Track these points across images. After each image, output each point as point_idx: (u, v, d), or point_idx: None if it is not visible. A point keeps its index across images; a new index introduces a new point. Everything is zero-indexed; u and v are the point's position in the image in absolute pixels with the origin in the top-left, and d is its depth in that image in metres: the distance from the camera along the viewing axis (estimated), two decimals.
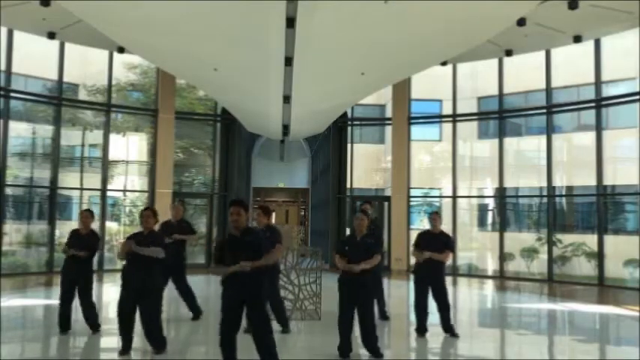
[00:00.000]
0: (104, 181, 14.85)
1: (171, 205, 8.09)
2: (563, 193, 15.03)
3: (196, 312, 7.96)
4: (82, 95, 15.34)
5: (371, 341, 5.84)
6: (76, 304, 6.84)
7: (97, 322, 6.89)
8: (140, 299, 5.71)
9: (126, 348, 5.78)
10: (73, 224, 14.40)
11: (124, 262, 5.88)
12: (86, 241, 6.69)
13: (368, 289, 5.89)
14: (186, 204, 15.72)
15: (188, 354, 6.21)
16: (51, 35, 12.75)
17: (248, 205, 4.93)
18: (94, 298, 6.97)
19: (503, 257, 14.73)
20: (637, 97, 12.80)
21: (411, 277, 7.34)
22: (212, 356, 4.68)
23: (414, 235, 15.78)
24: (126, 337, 5.79)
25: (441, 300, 6.97)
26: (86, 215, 6.85)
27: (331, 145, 17.04)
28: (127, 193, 15.87)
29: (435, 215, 7.16)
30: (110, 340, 6.87)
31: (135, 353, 5.88)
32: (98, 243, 6.91)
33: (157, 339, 5.79)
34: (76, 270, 6.70)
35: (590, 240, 13.57)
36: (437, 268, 6.99)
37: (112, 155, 15.16)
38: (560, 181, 14.84)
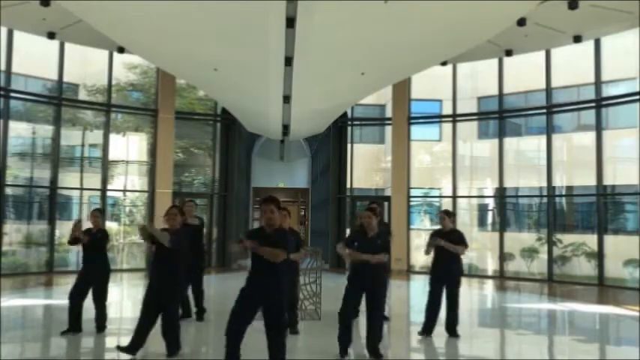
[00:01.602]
0: (104, 181, 14.85)
1: (187, 203, 8.10)
2: (563, 193, 15.03)
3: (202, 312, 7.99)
4: (82, 95, 15.34)
5: (375, 342, 5.83)
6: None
7: (104, 323, 6.91)
8: (163, 301, 5.68)
9: (135, 349, 5.70)
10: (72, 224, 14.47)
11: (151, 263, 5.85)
12: (96, 237, 6.85)
13: (382, 288, 5.94)
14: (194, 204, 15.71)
15: (190, 354, 6.19)
16: (51, 35, 12.74)
17: (280, 203, 4.91)
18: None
19: (503, 257, 14.73)
20: (637, 97, 12.79)
21: (412, 276, 7.34)
22: (213, 356, 4.68)
23: (414, 235, 15.93)
24: (142, 338, 5.71)
25: (453, 300, 6.96)
26: (95, 214, 6.94)
27: (331, 145, 17.04)
28: (127, 193, 15.87)
29: (441, 214, 7.21)
30: (113, 340, 6.88)
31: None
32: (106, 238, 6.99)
33: (174, 342, 5.73)
34: (92, 268, 6.79)
35: (590, 240, 13.57)
36: (451, 268, 7.03)
37: (112, 155, 15.15)
38: (560, 181, 14.84)
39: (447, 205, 15.88)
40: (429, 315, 6.98)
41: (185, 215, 6.30)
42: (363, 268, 5.84)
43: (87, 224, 7.05)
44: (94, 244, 6.80)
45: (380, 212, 6.33)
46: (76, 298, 6.73)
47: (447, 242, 6.88)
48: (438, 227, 7.27)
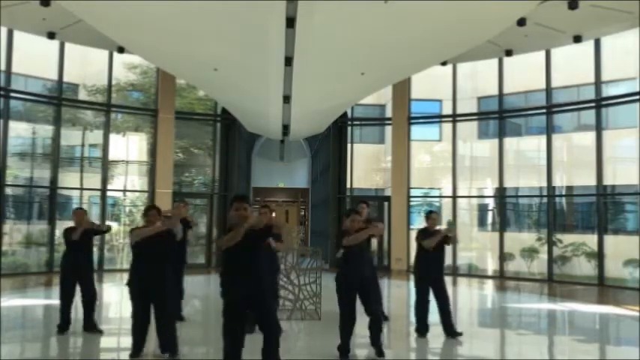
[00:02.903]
0: (104, 181, 14.85)
1: (177, 204, 8.12)
2: (563, 193, 15.03)
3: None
4: (82, 95, 15.34)
5: (379, 340, 5.85)
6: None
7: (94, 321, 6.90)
8: (154, 299, 5.64)
9: (137, 350, 5.67)
10: (72, 224, 14.44)
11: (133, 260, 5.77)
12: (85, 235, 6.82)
13: (375, 286, 5.98)
14: (186, 204, 15.70)
15: (191, 354, 6.19)
16: (51, 35, 12.74)
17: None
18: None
19: (503, 257, 14.73)
20: (637, 97, 12.79)
21: (412, 276, 7.34)
22: (213, 356, 4.68)
23: (414, 235, 15.86)
24: (140, 339, 5.67)
25: (443, 300, 6.97)
26: (80, 213, 6.94)
27: (331, 145, 17.04)
28: (127, 193, 15.87)
29: (434, 214, 7.25)
30: (113, 340, 6.88)
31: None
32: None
33: (170, 342, 5.69)
34: (80, 266, 6.76)
35: (590, 240, 13.57)
36: (437, 268, 7.02)
37: (112, 155, 15.15)
38: (560, 181, 14.84)
39: (447, 204, 15.90)
40: (420, 316, 6.98)
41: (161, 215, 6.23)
42: (356, 270, 5.89)
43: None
44: (83, 240, 6.80)
45: (366, 212, 6.50)
46: (69, 296, 6.73)
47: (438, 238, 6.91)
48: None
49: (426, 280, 6.96)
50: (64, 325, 6.72)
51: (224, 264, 4.73)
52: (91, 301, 6.81)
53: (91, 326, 6.81)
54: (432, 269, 6.96)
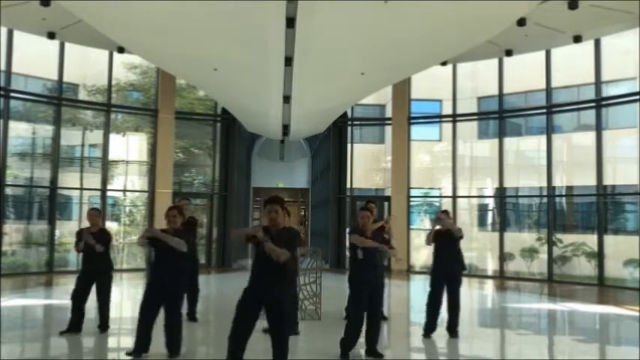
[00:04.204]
0: (104, 181, 14.85)
1: (181, 202, 8.09)
2: (563, 193, 15.03)
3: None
4: (82, 95, 15.34)
5: (375, 341, 5.85)
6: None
7: (107, 323, 6.91)
8: (168, 301, 5.64)
9: (140, 350, 5.62)
10: (73, 224, 14.44)
11: (152, 260, 5.76)
12: (98, 237, 6.90)
13: (382, 287, 5.99)
14: (189, 202, 15.73)
15: (191, 354, 6.19)
16: (51, 35, 12.73)
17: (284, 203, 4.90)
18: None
19: (503, 257, 14.73)
20: (637, 97, 12.79)
21: (412, 276, 7.33)
22: (213, 356, 4.67)
23: (414, 235, 15.92)
24: (145, 339, 5.64)
25: (455, 299, 6.98)
26: (94, 214, 6.98)
27: (331, 145, 17.04)
28: (127, 193, 15.87)
29: (441, 214, 7.29)
30: (114, 341, 6.88)
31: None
32: (110, 237, 7.14)
33: (176, 342, 5.68)
34: (96, 267, 6.84)
35: (590, 240, 13.57)
36: (453, 267, 7.19)
37: (112, 155, 15.15)
38: (560, 181, 14.83)
39: (447, 205, 15.88)
40: (432, 315, 6.97)
41: (184, 215, 6.27)
42: (368, 269, 5.88)
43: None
44: (100, 243, 6.81)
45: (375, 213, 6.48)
46: (81, 298, 6.72)
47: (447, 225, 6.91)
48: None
49: (440, 280, 6.98)
50: (74, 326, 6.70)
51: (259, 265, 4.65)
52: (107, 301, 6.87)
53: (106, 326, 6.84)
54: (446, 268, 6.98)
